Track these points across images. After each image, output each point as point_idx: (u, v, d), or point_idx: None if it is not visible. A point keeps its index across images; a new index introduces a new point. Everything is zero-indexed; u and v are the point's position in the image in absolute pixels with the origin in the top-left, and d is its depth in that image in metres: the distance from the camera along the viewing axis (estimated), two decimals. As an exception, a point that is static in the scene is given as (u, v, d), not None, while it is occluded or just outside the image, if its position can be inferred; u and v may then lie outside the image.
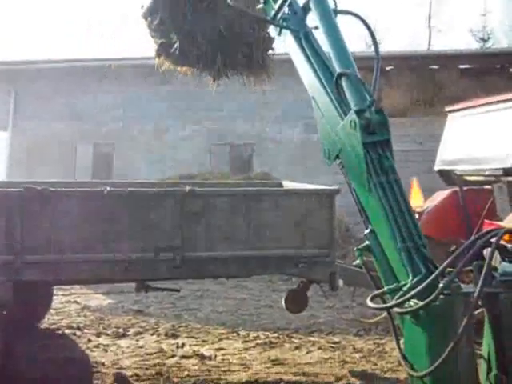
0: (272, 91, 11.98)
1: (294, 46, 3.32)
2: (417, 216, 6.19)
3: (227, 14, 4.83)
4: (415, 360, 2.50)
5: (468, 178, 6.36)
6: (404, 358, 2.56)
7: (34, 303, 5.99)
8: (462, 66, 13.90)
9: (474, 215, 5.98)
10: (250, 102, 13.24)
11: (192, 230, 4.60)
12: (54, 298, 6.67)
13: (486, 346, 2.56)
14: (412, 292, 2.42)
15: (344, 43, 3.09)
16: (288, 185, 6.58)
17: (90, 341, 5.82)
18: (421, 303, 2.36)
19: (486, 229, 4.11)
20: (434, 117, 11.49)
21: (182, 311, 7.12)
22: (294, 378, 4.81)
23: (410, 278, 2.49)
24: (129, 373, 4.91)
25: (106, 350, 5.53)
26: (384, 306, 2.64)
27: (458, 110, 6.88)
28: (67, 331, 6.17)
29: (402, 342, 2.62)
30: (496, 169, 5.72)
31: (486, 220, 5.54)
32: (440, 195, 6.67)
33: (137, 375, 4.83)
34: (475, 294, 2.30)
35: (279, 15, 3.51)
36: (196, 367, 5.07)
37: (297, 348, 5.67)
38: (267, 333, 6.15)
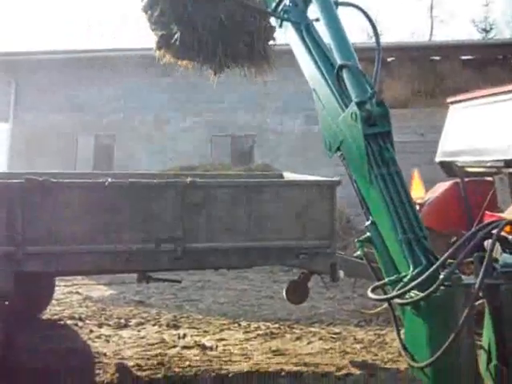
0: (273, 82, 11.97)
1: (295, 38, 3.32)
2: (418, 207, 6.19)
3: (228, 4, 4.80)
4: (416, 351, 2.51)
5: (469, 169, 6.35)
6: (405, 348, 2.58)
7: (35, 294, 6.01)
8: (463, 57, 13.85)
9: (475, 207, 5.99)
10: (250, 94, 13.21)
11: (193, 221, 4.60)
12: (56, 288, 6.69)
13: (487, 336, 2.57)
14: (413, 283, 2.43)
15: (345, 35, 3.08)
16: (289, 176, 6.58)
17: (91, 331, 5.84)
18: (421, 294, 2.37)
19: (487, 220, 4.13)
20: (435, 108, 11.46)
21: (183, 302, 7.14)
22: (295, 369, 4.82)
23: (411, 269, 2.50)
24: (130, 363, 4.93)
25: (107, 341, 5.56)
26: (385, 297, 2.65)
27: (460, 101, 6.86)
28: (69, 322, 6.19)
29: (402, 332, 2.63)
30: (497, 160, 5.71)
31: (487, 211, 5.54)
32: (441, 186, 6.67)
33: (138, 365, 4.85)
34: (476, 286, 2.31)
35: (280, 7, 3.50)
36: (197, 357, 5.09)
37: (298, 339, 5.69)
38: (268, 323, 6.17)
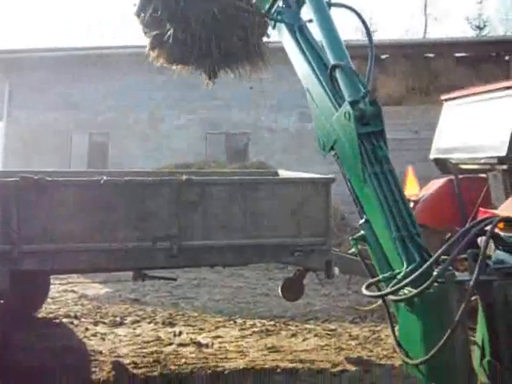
0: (267, 80, 11.96)
1: (289, 39, 3.35)
2: (412, 204, 6.22)
3: None
4: (410, 347, 2.53)
5: (463, 166, 6.38)
6: (399, 345, 2.60)
7: (31, 292, 6.01)
8: (457, 54, 13.88)
9: (469, 203, 6.01)
10: (245, 91, 13.20)
11: (189, 218, 4.61)
12: (51, 287, 6.68)
13: (480, 332, 2.60)
14: (406, 280, 2.45)
15: (338, 35, 3.11)
16: (284, 174, 6.59)
17: (87, 329, 5.84)
18: (415, 291, 2.39)
19: (480, 217, 4.15)
20: (429, 105, 11.50)
21: (178, 300, 7.15)
22: (291, 365, 4.85)
23: (405, 266, 2.52)
24: (126, 361, 4.94)
25: (103, 339, 5.57)
26: (379, 293, 2.67)
27: (454, 98, 6.89)
28: (64, 320, 6.20)
29: (397, 329, 2.65)
30: (491, 157, 5.74)
31: (480, 208, 5.57)
32: (435, 183, 6.69)
33: (134, 363, 4.86)
34: (471, 283, 2.32)
35: (274, 8, 3.52)
36: (193, 355, 5.11)
37: (293, 335, 5.71)
38: (264, 320, 6.19)
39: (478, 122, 6.29)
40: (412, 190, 6.66)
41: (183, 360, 4.95)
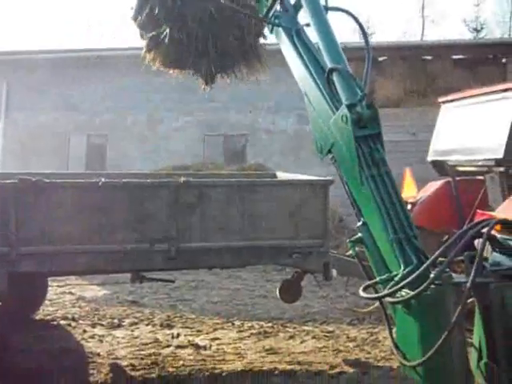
0: (265, 82, 11.89)
1: (287, 43, 3.36)
2: (410, 206, 6.23)
3: None
4: (407, 349, 2.54)
5: (461, 168, 6.40)
6: (396, 347, 2.60)
7: (28, 294, 6.00)
8: (455, 57, 13.91)
9: (467, 205, 6.03)
10: (243, 93, 13.20)
11: (187, 220, 4.62)
12: (49, 289, 6.68)
13: (477, 334, 2.61)
14: (403, 282, 2.45)
15: (335, 39, 3.12)
16: (282, 175, 6.61)
17: (85, 331, 5.84)
18: (412, 293, 2.40)
19: (478, 219, 4.16)
20: (427, 107, 11.52)
21: (176, 302, 7.16)
22: (289, 367, 4.85)
23: (402, 268, 2.53)
24: (124, 363, 4.94)
25: (101, 341, 5.57)
26: (376, 295, 2.68)
27: (451, 100, 6.91)
28: (62, 322, 6.20)
29: (394, 331, 2.66)
30: (488, 159, 5.76)
31: (478, 210, 5.59)
32: (433, 185, 6.71)
33: (132, 365, 4.86)
34: (468, 285, 2.33)
35: (271, 13, 3.53)
36: (191, 357, 5.11)
37: (291, 337, 5.72)
38: (262, 322, 6.19)
39: (475, 124, 6.30)
40: (410, 191, 6.68)
41: (181, 362, 4.95)
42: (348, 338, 5.72)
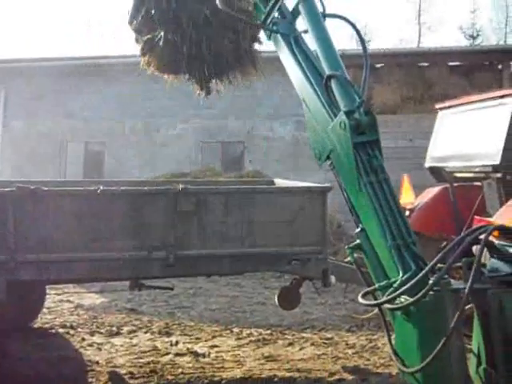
0: (262, 89, 11.99)
1: (285, 50, 3.37)
2: (408, 213, 6.25)
3: (213, 0, 4.74)
4: (406, 355, 2.54)
5: (458, 174, 6.42)
6: (395, 353, 2.61)
7: (27, 302, 5.99)
8: (451, 63, 13.98)
9: (464, 211, 6.05)
10: (240, 100, 13.25)
11: (185, 228, 4.62)
12: (47, 296, 6.67)
13: (476, 340, 2.61)
14: (402, 288, 2.46)
15: (333, 46, 3.14)
16: (280, 182, 6.62)
17: (83, 339, 5.83)
18: (411, 299, 2.41)
19: (476, 225, 4.18)
20: (424, 114, 11.57)
21: (175, 309, 7.14)
22: (288, 375, 4.85)
23: (401, 274, 2.54)
24: (123, 371, 4.93)
25: (99, 349, 5.55)
26: (375, 302, 2.68)
27: (448, 107, 6.94)
28: (60, 330, 6.18)
29: (393, 337, 2.66)
30: (485, 165, 5.78)
31: (475, 216, 5.60)
32: (431, 192, 6.72)
33: (131, 373, 4.85)
34: (466, 291, 2.34)
35: (269, 19, 3.54)
36: (190, 365, 5.10)
37: (290, 344, 5.71)
38: (260, 330, 6.19)
39: (472, 131, 6.33)
40: (407, 198, 6.70)
41: (180, 370, 4.94)
42: (347, 344, 5.71)
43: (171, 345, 5.66)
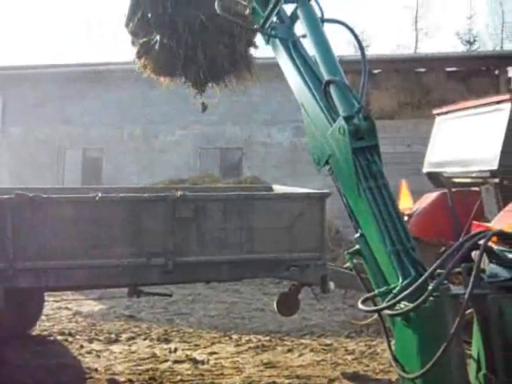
0: (261, 95, 12.03)
1: (283, 55, 3.37)
2: (406, 218, 6.25)
3: (209, 5, 4.76)
4: (406, 361, 2.53)
5: (456, 179, 6.43)
6: (395, 359, 2.60)
7: (25, 309, 5.97)
8: (448, 69, 14.03)
9: (463, 216, 6.06)
10: (238, 106, 13.27)
11: (184, 234, 4.62)
12: (46, 304, 6.65)
13: (475, 346, 2.61)
14: (402, 294, 2.46)
15: (331, 50, 3.13)
16: (278, 189, 6.62)
17: (82, 347, 5.81)
18: (411, 305, 2.40)
19: (474, 230, 4.18)
20: (421, 119, 11.61)
21: (173, 316, 7.12)
22: (287, 381, 4.83)
23: (400, 280, 2.53)
24: (122, 378, 4.90)
25: (98, 356, 5.53)
26: (375, 308, 2.68)
27: (446, 112, 6.96)
28: (59, 337, 6.16)
29: (392, 343, 2.66)
30: (483, 171, 5.79)
31: (474, 221, 5.61)
32: (429, 197, 6.74)
33: (130, 381, 4.83)
34: (465, 296, 2.34)
35: (268, 24, 3.54)
36: (189, 372, 5.08)
37: (289, 351, 5.70)
38: (259, 336, 6.17)
39: (469, 136, 6.35)
40: (406, 203, 6.71)
41: (179, 377, 4.93)
42: (346, 350, 5.70)
43: (170, 352, 5.64)
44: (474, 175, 6.03)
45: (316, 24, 3.25)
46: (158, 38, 4.87)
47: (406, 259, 2.59)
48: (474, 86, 13.03)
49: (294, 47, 3.35)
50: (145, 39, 5.01)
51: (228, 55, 4.97)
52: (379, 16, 46.80)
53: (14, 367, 4.95)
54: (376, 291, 2.70)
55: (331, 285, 4.97)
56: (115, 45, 24.17)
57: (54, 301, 7.54)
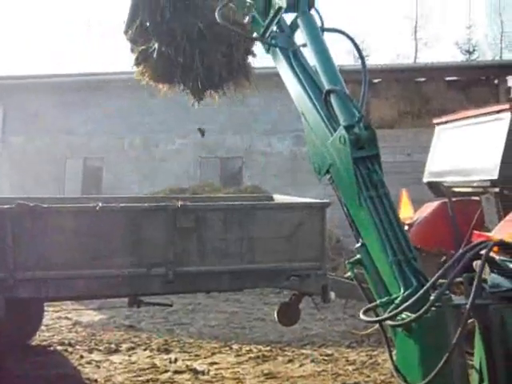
0: (260, 104, 12.06)
1: (283, 64, 3.37)
2: (406, 227, 6.24)
3: (208, 13, 4.78)
4: (408, 372, 2.52)
5: (456, 189, 6.42)
6: (397, 370, 2.59)
7: (25, 320, 5.95)
8: (448, 78, 14.08)
9: (463, 226, 6.05)
10: (239, 115, 13.30)
11: (184, 244, 4.61)
12: (45, 314, 6.63)
13: (477, 356, 2.59)
14: (404, 305, 2.45)
15: (331, 60, 3.13)
16: (279, 198, 6.62)
17: (82, 357, 5.78)
18: (413, 316, 2.39)
19: (475, 240, 4.18)
20: (422, 128, 11.62)
21: (174, 326, 7.10)
22: (288, 392, 4.81)
23: (402, 290, 2.52)
24: (122, 389, 4.89)
25: (98, 366, 5.51)
26: (377, 319, 2.66)
27: (446, 122, 6.97)
28: (59, 347, 6.14)
29: (394, 354, 2.65)
30: (483, 180, 5.79)
31: (475, 231, 5.60)
32: (429, 206, 6.73)
33: (130, 391, 4.82)
34: (467, 307, 2.33)
35: (268, 33, 3.55)
36: (189, 382, 5.06)
37: (290, 361, 5.68)
38: (260, 346, 6.15)
39: (469, 146, 6.35)
40: (406, 212, 6.69)
41: (179, 387, 4.91)
42: (347, 361, 5.68)
43: (170, 362, 5.62)
44: (474, 185, 6.03)
45: (316, 33, 3.26)
46: (156, 45, 4.89)
47: (408, 269, 2.58)
48: (473, 96, 13.06)
49: (294, 56, 3.36)
50: (143, 47, 5.03)
51: (226, 64, 4.99)
52: (379, 26, 47.03)
53: (13, 377, 4.93)
54: (377, 301, 2.69)
55: (332, 294, 4.96)
56: (116, 49, 24.34)
57: (53, 311, 7.52)
